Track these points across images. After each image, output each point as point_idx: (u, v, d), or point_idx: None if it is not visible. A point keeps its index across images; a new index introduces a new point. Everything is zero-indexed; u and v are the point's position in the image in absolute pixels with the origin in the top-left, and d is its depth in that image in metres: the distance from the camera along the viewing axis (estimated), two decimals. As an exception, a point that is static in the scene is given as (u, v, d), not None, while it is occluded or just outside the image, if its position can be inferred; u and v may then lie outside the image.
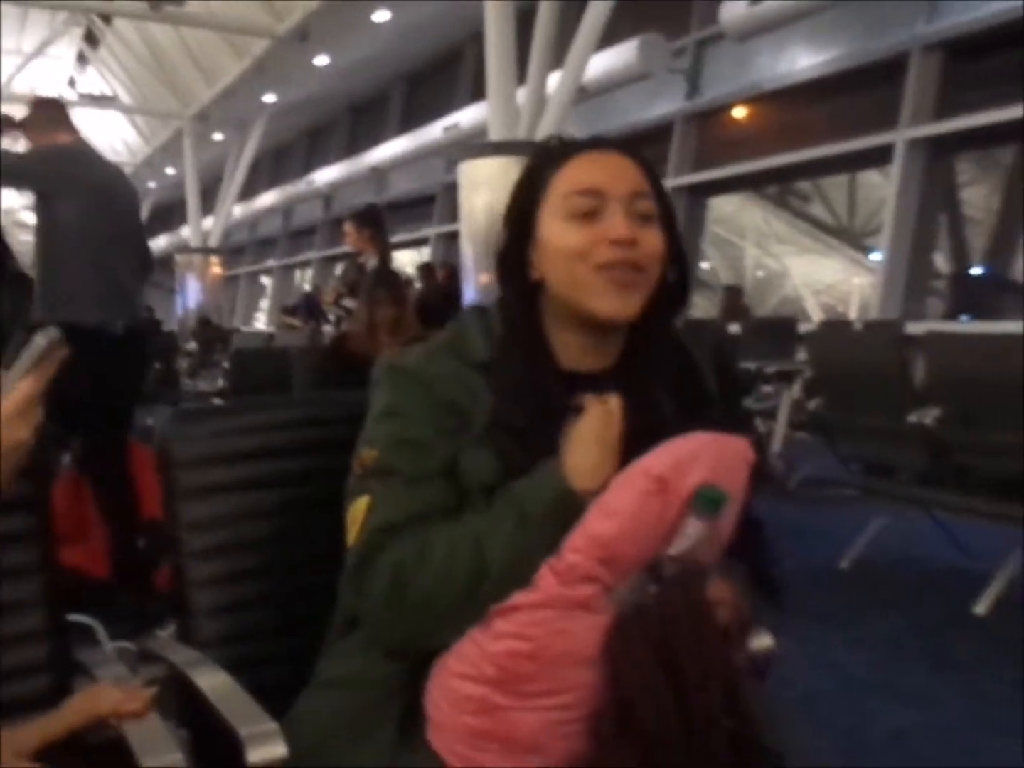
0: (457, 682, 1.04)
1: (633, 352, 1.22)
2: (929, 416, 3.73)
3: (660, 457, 1.06)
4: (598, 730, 1.01)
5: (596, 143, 1.23)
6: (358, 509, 1.15)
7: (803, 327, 7.15)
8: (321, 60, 13.85)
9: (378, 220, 5.90)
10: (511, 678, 1.01)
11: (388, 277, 4.09)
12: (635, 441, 1.11)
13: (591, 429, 1.10)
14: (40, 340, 0.96)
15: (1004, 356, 3.63)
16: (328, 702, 1.17)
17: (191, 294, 16.47)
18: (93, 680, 1.18)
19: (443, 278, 8.94)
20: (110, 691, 1.11)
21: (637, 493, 1.03)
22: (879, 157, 8.95)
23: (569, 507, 1.06)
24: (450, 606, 1.07)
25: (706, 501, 1.03)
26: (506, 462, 1.13)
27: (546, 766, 1.03)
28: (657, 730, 0.97)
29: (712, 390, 1.29)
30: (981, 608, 3.51)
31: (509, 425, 1.14)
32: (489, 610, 1.05)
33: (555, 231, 1.18)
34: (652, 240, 1.18)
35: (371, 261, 5.79)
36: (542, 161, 1.23)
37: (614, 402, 1.12)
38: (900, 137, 8.46)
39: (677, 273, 1.23)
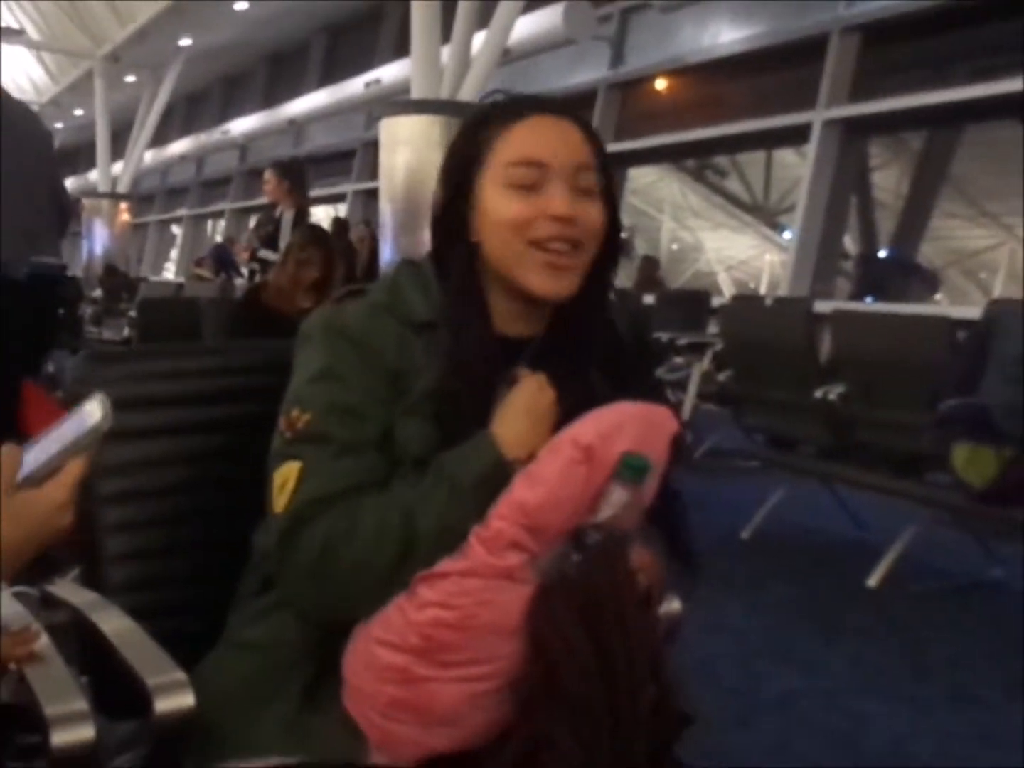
0: (380, 650, 1.03)
1: (563, 320, 1.21)
2: (833, 392, 3.83)
3: (586, 426, 1.07)
4: (522, 697, 1.01)
5: (544, 105, 1.19)
6: (287, 475, 1.10)
7: (716, 301, 7.25)
8: (240, 5, 13.52)
9: (300, 174, 5.89)
10: (434, 647, 1.01)
11: (320, 237, 3.98)
12: (564, 410, 1.12)
13: (522, 400, 1.11)
14: (94, 412, 0.85)
15: (907, 337, 3.74)
16: (235, 663, 1.16)
17: (98, 240, 16.02)
18: (-7, 624, 1.16)
19: (368, 237, 8.83)
20: None
21: (564, 462, 1.04)
22: (796, 136, 9.08)
23: (500, 476, 1.06)
24: (378, 578, 1.06)
25: (631, 469, 1.04)
26: (443, 428, 1.12)
27: (461, 738, 1.03)
28: (582, 696, 0.98)
29: (635, 364, 1.29)
30: (873, 580, 3.63)
31: (450, 391, 1.13)
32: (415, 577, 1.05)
33: (494, 199, 1.16)
34: (592, 215, 1.16)
35: (287, 214, 5.73)
36: (486, 120, 1.19)
37: (544, 375, 1.13)
38: (817, 117, 8.60)
39: (609, 244, 1.21)
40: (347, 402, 1.12)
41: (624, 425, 1.07)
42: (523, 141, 1.16)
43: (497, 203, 1.15)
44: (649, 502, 1.10)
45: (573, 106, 1.24)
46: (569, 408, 1.12)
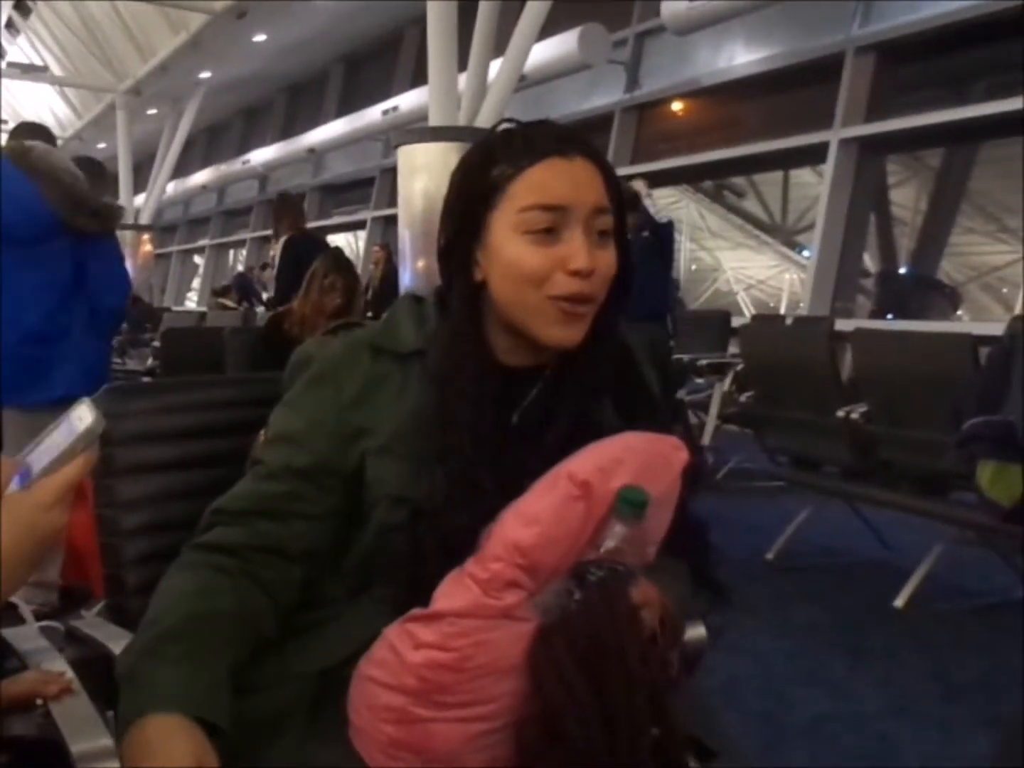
0: (377, 689, 1.02)
1: (574, 352, 1.17)
2: (856, 411, 3.80)
3: (584, 460, 1.04)
4: (523, 740, 0.99)
5: (560, 147, 1.12)
6: None
7: (736, 321, 7.24)
8: (259, 38, 13.66)
9: (288, 205, 6.22)
10: (432, 689, 0.99)
11: (343, 264, 3.98)
12: (570, 443, 1.09)
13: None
14: (85, 416, 0.81)
15: (929, 355, 3.72)
16: (237, 707, 1.10)
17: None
18: (19, 658, 1.16)
19: (382, 260, 8.94)
20: (27, 674, 1.10)
21: (560, 498, 1.01)
22: (813, 155, 9.07)
23: None
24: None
25: (628, 503, 1.01)
26: (433, 459, 1.11)
27: None
28: (582, 739, 0.95)
29: (654, 390, 1.25)
30: (900, 601, 3.60)
31: (444, 420, 1.11)
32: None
33: (509, 246, 1.11)
34: (608, 262, 1.13)
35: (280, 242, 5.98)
36: (496, 155, 1.14)
37: None
38: (834, 136, 8.59)
39: (623, 271, 1.17)
40: (289, 431, 1.16)
41: (624, 459, 1.04)
42: (540, 185, 1.11)
43: (512, 251, 1.11)
44: (660, 535, 1.08)
45: (589, 130, 1.20)
46: (574, 438, 1.10)
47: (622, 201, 1.16)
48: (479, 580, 1.00)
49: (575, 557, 1.02)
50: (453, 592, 1.02)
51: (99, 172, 3.58)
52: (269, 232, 17.33)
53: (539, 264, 1.10)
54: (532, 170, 1.11)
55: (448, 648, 0.99)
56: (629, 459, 1.05)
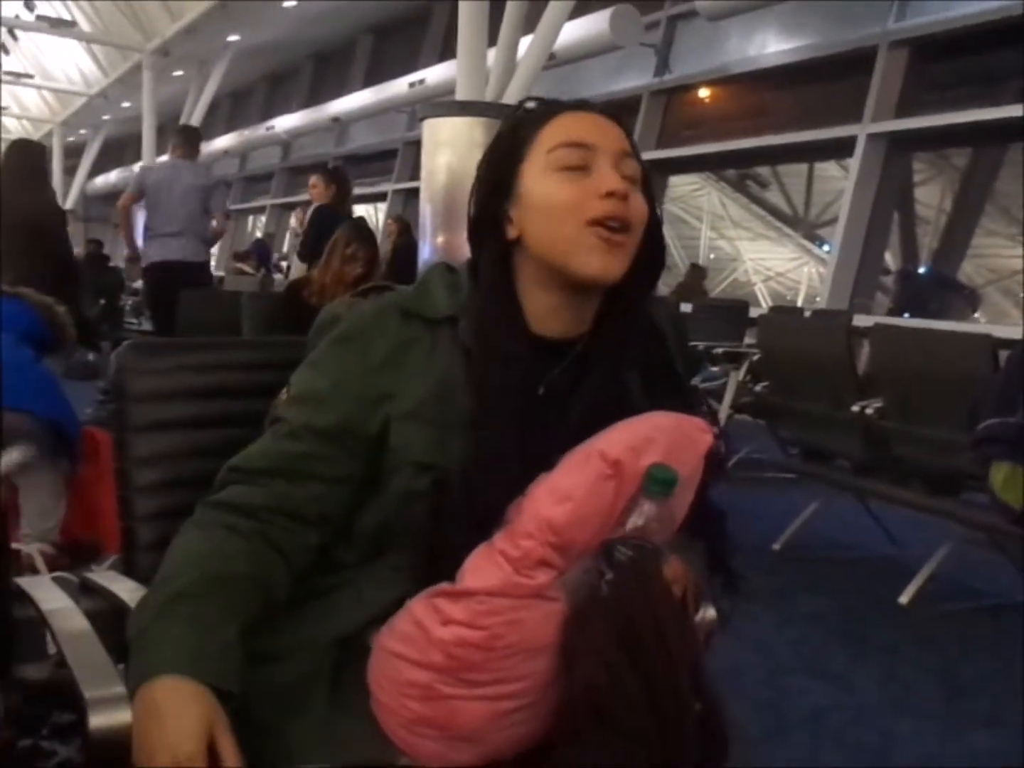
0: (401, 664, 1.01)
1: (606, 321, 1.18)
2: (870, 407, 3.79)
3: (616, 438, 1.04)
4: (569, 724, 0.98)
5: (580, 104, 1.19)
6: None
7: (753, 311, 7.22)
8: (289, 3, 13.61)
9: (344, 180, 6.26)
10: (460, 666, 0.98)
11: (366, 235, 3.96)
12: (596, 417, 1.09)
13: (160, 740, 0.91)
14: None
15: (948, 354, 3.70)
16: (258, 676, 1.10)
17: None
18: (34, 606, 1.17)
19: (395, 233, 8.92)
20: None
21: (592, 476, 1.01)
22: (840, 149, 9.02)
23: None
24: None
25: (657, 482, 1.01)
26: (470, 427, 1.10)
27: (487, 755, 1.01)
28: (628, 718, 0.95)
29: (680, 371, 1.26)
30: (905, 598, 3.59)
31: (473, 385, 1.11)
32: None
33: (542, 186, 1.13)
34: (639, 201, 1.14)
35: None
36: (524, 120, 1.18)
37: None
38: (862, 131, 8.54)
39: (652, 242, 1.18)
40: (313, 390, 1.15)
41: (654, 438, 1.04)
42: (567, 127, 1.15)
43: (546, 188, 1.13)
44: (682, 515, 1.08)
45: (616, 111, 1.22)
46: (602, 412, 1.10)
47: (642, 160, 1.18)
48: (511, 558, 0.99)
49: (602, 536, 1.01)
50: (483, 569, 1.01)
51: None
52: (290, 200, 17.41)
53: (571, 193, 1.12)
54: (558, 118, 1.17)
55: (478, 626, 0.98)
56: (658, 438, 1.04)
